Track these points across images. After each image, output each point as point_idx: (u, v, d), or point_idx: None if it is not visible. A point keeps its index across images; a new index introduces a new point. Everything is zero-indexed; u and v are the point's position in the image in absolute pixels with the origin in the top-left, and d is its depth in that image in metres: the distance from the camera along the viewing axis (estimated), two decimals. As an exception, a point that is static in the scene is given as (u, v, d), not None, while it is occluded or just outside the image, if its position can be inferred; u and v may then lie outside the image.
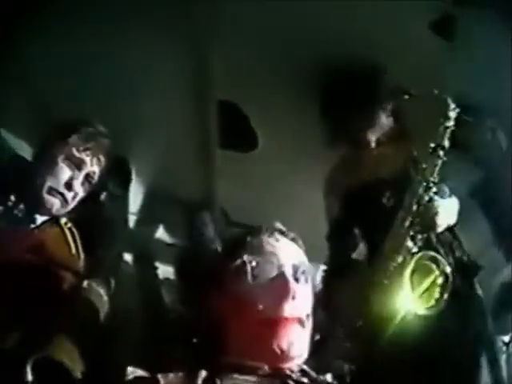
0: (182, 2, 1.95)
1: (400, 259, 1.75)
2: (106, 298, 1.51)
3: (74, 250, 1.59)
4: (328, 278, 1.96)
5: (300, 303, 1.15)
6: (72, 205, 1.64)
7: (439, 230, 1.78)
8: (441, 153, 1.74)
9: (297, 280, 1.17)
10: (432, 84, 1.81)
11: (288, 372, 1.12)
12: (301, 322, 1.14)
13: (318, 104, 2.10)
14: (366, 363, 1.74)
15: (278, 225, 1.28)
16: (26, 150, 1.94)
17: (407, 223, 1.76)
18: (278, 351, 1.10)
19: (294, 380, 1.12)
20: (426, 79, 1.95)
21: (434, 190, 1.76)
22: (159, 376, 1.09)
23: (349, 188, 2.03)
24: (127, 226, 2.40)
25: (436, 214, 1.75)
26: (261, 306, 1.11)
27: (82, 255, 1.60)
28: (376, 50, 2.02)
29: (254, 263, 1.16)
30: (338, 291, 1.90)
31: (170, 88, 2.21)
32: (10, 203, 1.59)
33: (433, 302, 1.69)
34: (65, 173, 1.61)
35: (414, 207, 1.76)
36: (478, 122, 1.79)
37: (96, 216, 1.78)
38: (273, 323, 1.11)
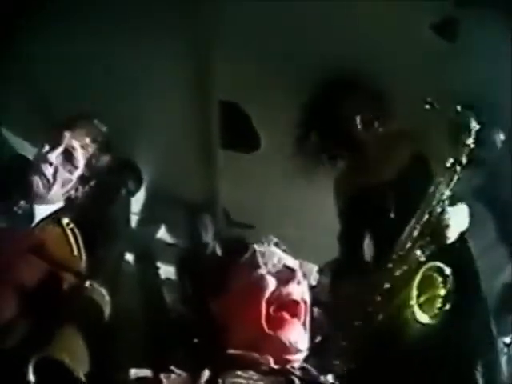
0: (182, 2, 1.95)
1: (406, 267, 1.75)
2: (107, 297, 1.51)
3: (76, 251, 1.58)
4: (335, 277, 1.97)
5: (304, 290, 1.24)
6: (56, 187, 1.64)
7: (449, 241, 1.78)
8: (458, 168, 1.74)
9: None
10: (433, 84, 1.82)
11: (290, 369, 1.15)
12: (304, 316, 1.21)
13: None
14: (366, 364, 1.75)
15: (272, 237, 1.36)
16: (26, 150, 1.94)
17: (416, 233, 1.76)
18: (287, 342, 1.14)
19: (297, 376, 1.14)
20: (428, 80, 1.95)
21: (447, 202, 1.76)
22: (162, 376, 1.10)
23: (354, 191, 2.03)
24: (129, 226, 2.39)
25: (447, 226, 1.75)
26: (271, 291, 1.19)
27: (84, 256, 1.59)
28: (377, 50, 2.02)
29: (263, 251, 1.26)
30: (344, 291, 1.90)
31: (171, 88, 2.21)
32: (10, 202, 1.60)
33: (435, 312, 1.70)
34: (44, 148, 1.65)
35: (426, 217, 1.76)
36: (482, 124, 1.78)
37: (98, 216, 1.78)
38: (281, 316, 1.18)
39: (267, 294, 1.18)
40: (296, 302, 1.21)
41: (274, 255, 1.26)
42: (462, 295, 1.73)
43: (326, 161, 2.16)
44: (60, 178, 1.64)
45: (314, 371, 1.22)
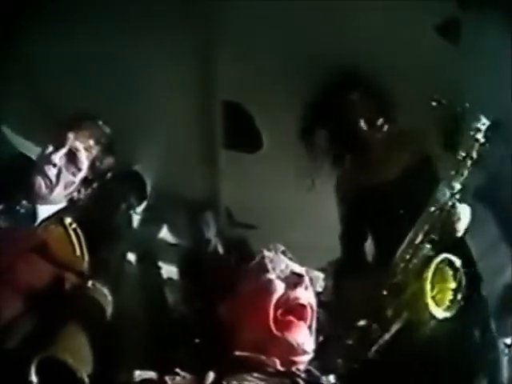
0: (182, 2, 1.95)
1: (415, 261, 1.75)
2: (110, 297, 1.51)
3: (78, 251, 1.58)
4: (338, 277, 1.97)
5: (311, 295, 1.28)
6: (58, 188, 1.64)
7: (459, 235, 1.79)
8: (469, 163, 1.75)
9: None
10: (434, 85, 1.82)
11: (296, 371, 1.15)
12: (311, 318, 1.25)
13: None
14: (368, 364, 1.75)
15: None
16: (27, 149, 1.94)
17: (426, 227, 1.76)
18: (294, 343, 1.17)
19: (301, 379, 1.15)
20: (429, 81, 1.95)
21: (457, 196, 1.77)
22: (167, 378, 1.10)
23: (357, 190, 2.04)
24: (131, 226, 2.39)
25: (459, 219, 1.76)
26: (280, 294, 1.22)
27: (87, 256, 1.59)
28: (378, 51, 2.02)
29: (271, 257, 1.30)
30: (347, 291, 1.91)
31: (173, 88, 2.20)
32: (13, 201, 1.60)
33: (448, 304, 1.70)
34: (48, 149, 1.65)
35: (436, 212, 1.76)
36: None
37: (101, 216, 1.78)
38: (288, 319, 1.21)
39: (276, 298, 1.21)
40: (303, 306, 1.24)
41: (281, 262, 1.30)
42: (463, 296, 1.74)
43: (329, 161, 2.17)
44: (63, 179, 1.65)
45: (316, 372, 1.24)
